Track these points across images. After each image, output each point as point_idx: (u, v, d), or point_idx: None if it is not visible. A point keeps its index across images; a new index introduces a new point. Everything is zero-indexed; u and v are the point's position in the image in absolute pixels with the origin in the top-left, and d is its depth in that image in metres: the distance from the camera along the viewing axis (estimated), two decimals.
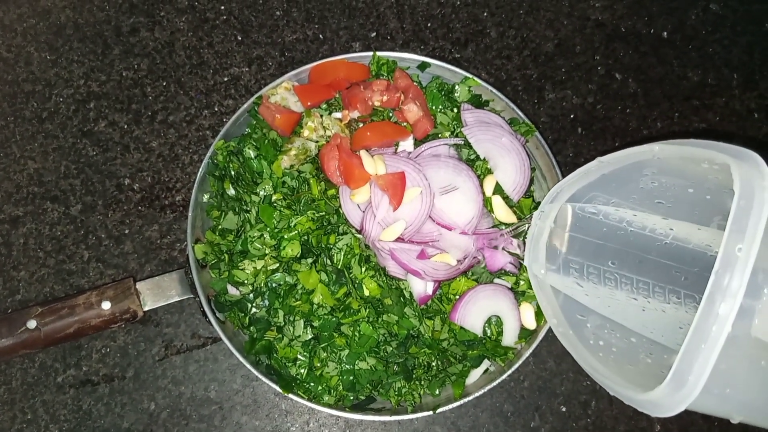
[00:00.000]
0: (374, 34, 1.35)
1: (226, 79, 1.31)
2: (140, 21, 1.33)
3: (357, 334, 1.02)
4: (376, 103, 1.11)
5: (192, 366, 1.18)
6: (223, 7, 1.35)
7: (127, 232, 1.23)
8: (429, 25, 1.36)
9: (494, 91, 1.13)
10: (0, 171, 1.24)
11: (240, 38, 1.33)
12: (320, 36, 1.35)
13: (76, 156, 1.26)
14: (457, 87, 1.15)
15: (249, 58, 1.32)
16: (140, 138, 1.27)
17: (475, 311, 1.04)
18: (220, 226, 1.08)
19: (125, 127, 1.28)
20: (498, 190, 1.09)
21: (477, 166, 1.09)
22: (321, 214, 1.05)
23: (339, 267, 1.03)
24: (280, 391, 1.02)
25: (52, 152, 1.26)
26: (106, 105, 1.29)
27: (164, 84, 1.30)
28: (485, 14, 1.37)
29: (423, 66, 1.15)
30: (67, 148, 1.26)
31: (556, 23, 1.38)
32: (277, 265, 1.03)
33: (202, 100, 1.30)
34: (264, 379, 1.03)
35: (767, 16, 1.40)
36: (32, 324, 1.02)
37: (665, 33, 1.39)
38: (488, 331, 1.06)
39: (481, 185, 1.06)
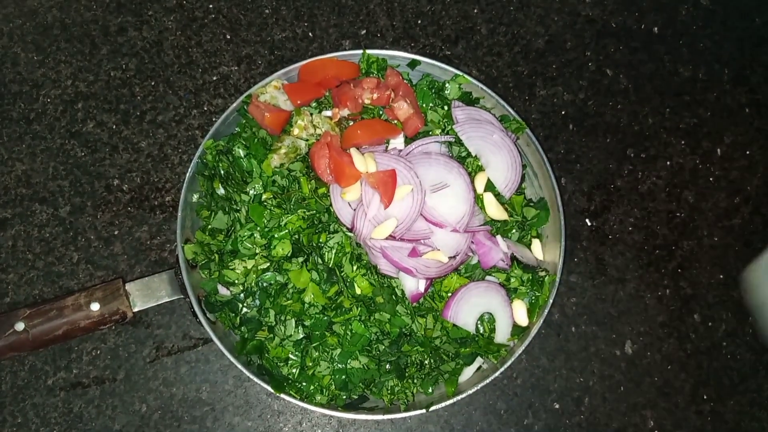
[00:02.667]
0: (364, 31, 1.35)
1: (215, 78, 1.30)
2: (128, 20, 1.32)
3: (349, 333, 1.02)
4: (366, 101, 1.10)
5: (183, 367, 1.17)
6: (211, 6, 1.34)
7: (116, 233, 1.22)
8: (419, 22, 1.35)
9: (484, 88, 1.13)
10: None
11: (229, 37, 1.32)
12: (310, 34, 1.34)
13: (64, 157, 1.25)
14: (447, 85, 1.14)
15: (238, 57, 1.32)
16: (129, 138, 1.26)
17: (467, 308, 1.04)
18: (210, 226, 1.07)
19: (114, 127, 1.27)
20: (489, 187, 1.08)
21: (468, 163, 1.08)
22: (311, 212, 1.04)
23: (330, 266, 1.02)
24: (272, 391, 1.02)
25: (40, 153, 1.25)
26: (94, 105, 1.27)
27: (153, 84, 1.29)
28: (475, 11, 1.37)
29: (413, 64, 1.15)
30: (55, 149, 1.25)
31: (546, 19, 1.37)
32: (268, 264, 1.03)
33: (191, 100, 1.29)
34: (256, 380, 1.02)
35: (757, 11, 1.40)
36: (20, 326, 1.01)
37: (656, 28, 1.38)
38: (481, 329, 1.06)
39: (473, 182, 1.06)
